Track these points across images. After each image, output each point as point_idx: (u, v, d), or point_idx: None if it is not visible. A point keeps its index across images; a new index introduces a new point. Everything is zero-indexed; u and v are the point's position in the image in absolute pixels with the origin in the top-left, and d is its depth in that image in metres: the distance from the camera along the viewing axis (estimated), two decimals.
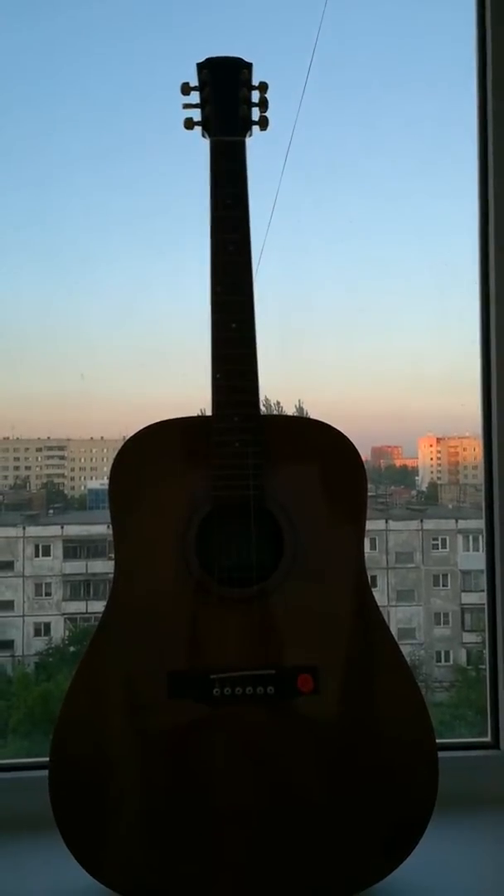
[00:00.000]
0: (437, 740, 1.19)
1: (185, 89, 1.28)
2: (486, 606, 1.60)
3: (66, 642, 2.18)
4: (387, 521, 2.38)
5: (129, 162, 1.97)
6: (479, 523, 1.63)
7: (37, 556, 2.24)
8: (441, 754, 1.19)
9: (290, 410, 1.81)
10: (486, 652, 1.59)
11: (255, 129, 1.28)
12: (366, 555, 1.22)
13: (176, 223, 1.94)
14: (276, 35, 1.85)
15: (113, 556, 1.21)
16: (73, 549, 2.24)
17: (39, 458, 2.32)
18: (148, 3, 1.90)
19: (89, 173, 1.96)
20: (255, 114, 1.28)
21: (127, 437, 1.22)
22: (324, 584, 1.21)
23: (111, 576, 1.21)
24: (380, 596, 2.27)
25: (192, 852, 1.15)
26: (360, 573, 1.21)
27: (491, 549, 1.58)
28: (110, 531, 1.21)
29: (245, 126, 1.27)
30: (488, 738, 1.56)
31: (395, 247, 2.06)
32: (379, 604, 1.22)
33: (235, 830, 1.15)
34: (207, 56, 1.28)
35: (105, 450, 2.32)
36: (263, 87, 1.28)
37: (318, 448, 1.24)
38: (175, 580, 1.18)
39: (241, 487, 1.18)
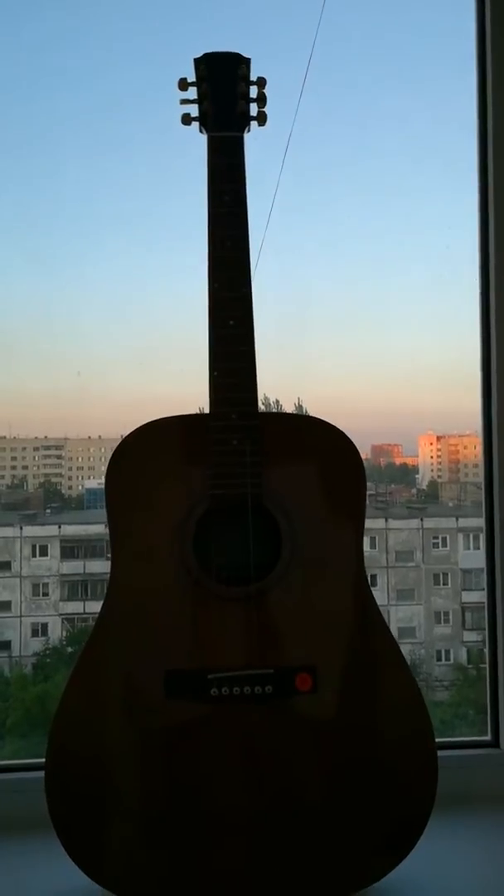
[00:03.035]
0: (437, 739, 1.19)
1: (183, 85, 1.27)
2: (485, 605, 1.60)
3: (64, 643, 2.18)
4: (387, 520, 2.37)
5: (128, 157, 1.96)
6: (480, 521, 1.62)
7: (34, 556, 2.24)
8: (441, 753, 1.19)
9: (289, 408, 1.81)
10: (486, 650, 1.59)
11: (254, 124, 1.27)
12: (366, 554, 1.22)
13: (174, 219, 1.94)
14: (272, 32, 1.84)
15: (110, 555, 1.20)
16: (71, 548, 2.24)
17: (37, 458, 2.32)
18: None
19: (86, 169, 1.96)
20: (254, 109, 1.27)
21: (124, 436, 1.22)
22: (322, 583, 1.20)
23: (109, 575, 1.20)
24: (380, 595, 2.27)
25: (190, 851, 1.14)
26: (358, 572, 1.20)
27: (491, 547, 1.58)
28: (107, 530, 1.21)
29: (243, 121, 1.26)
30: (488, 737, 1.56)
31: (393, 243, 2.05)
32: (379, 603, 1.21)
33: (234, 830, 1.14)
34: (205, 52, 1.27)
35: (103, 449, 2.31)
36: (262, 83, 1.27)
37: (316, 446, 1.23)
38: (172, 579, 1.18)
39: (239, 486, 1.17)
